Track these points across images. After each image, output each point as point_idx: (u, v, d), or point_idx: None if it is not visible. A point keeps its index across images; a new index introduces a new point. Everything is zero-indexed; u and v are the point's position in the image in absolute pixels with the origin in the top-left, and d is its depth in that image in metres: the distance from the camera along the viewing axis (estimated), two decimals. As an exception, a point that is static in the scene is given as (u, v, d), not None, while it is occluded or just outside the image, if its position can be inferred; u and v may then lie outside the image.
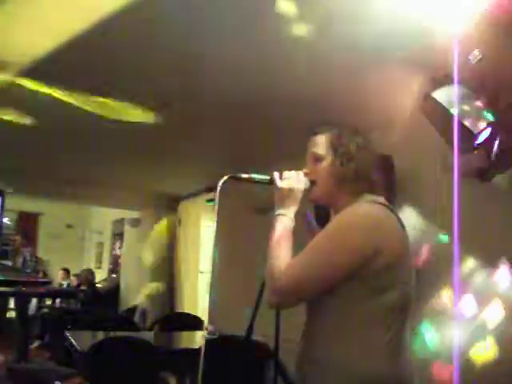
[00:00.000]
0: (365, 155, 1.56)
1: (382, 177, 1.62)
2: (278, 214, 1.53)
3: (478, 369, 2.68)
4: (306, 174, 1.59)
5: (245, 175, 1.61)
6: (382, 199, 1.52)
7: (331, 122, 1.64)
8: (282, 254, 1.45)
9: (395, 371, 1.39)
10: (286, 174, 1.58)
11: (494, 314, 2.69)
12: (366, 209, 1.47)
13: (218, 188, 1.58)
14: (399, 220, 1.50)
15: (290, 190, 1.55)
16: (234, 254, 4.98)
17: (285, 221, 1.52)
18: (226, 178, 1.58)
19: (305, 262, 1.41)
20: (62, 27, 2.46)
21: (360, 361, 1.36)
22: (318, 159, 1.58)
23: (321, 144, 1.59)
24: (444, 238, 3.04)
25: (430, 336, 3.01)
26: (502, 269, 2.69)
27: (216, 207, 1.63)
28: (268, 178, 1.61)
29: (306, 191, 1.58)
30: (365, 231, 1.40)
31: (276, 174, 1.59)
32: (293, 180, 1.56)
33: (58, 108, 3.59)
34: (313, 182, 1.58)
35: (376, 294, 1.38)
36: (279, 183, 1.57)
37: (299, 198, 1.56)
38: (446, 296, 2.93)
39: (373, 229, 1.41)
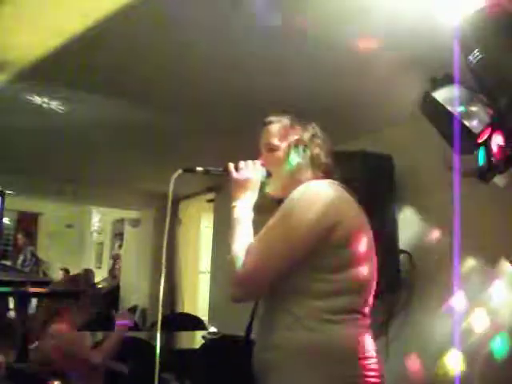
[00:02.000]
0: (318, 143, 1.54)
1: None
2: (234, 206, 1.49)
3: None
4: (262, 165, 1.57)
5: (199, 168, 1.60)
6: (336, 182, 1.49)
7: (285, 110, 1.62)
8: (240, 244, 1.39)
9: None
10: (241, 164, 1.56)
11: (493, 314, 2.69)
12: (318, 184, 1.44)
13: (171, 183, 1.58)
14: (355, 199, 1.47)
15: (246, 181, 1.52)
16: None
17: (241, 211, 1.48)
18: (179, 171, 1.57)
19: (263, 245, 1.36)
20: (61, 27, 2.46)
21: (318, 342, 1.31)
22: (271, 149, 1.57)
23: (274, 134, 1.57)
24: (444, 237, 3.04)
25: (430, 335, 3.01)
26: (502, 269, 2.69)
27: (169, 203, 1.61)
28: (222, 169, 1.59)
29: (263, 183, 1.56)
30: (320, 203, 1.36)
31: (231, 165, 1.57)
32: (249, 170, 1.54)
33: (58, 107, 3.60)
34: (269, 173, 1.56)
35: (333, 273, 1.34)
36: (234, 174, 1.54)
37: (256, 188, 1.54)
38: (445, 295, 2.93)
39: (328, 200, 1.38)
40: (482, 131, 2.09)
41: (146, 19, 2.35)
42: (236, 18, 2.28)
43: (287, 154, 1.53)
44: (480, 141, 2.12)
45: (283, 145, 1.55)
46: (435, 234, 3.12)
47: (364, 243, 1.40)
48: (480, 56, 1.79)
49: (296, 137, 1.54)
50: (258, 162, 1.57)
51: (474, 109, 2.11)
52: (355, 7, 2.15)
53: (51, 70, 2.92)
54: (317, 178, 1.49)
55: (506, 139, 2.09)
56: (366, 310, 1.41)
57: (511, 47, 1.78)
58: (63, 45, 2.56)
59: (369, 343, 1.37)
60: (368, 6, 2.13)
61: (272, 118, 1.61)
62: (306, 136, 1.54)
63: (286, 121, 1.59)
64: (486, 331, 2.68)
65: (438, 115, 2.22)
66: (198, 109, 3.53)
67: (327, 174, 1.51)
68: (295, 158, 1.51)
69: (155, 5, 2.23)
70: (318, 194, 1.40)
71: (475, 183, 2.30)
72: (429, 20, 2.17)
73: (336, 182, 1.48)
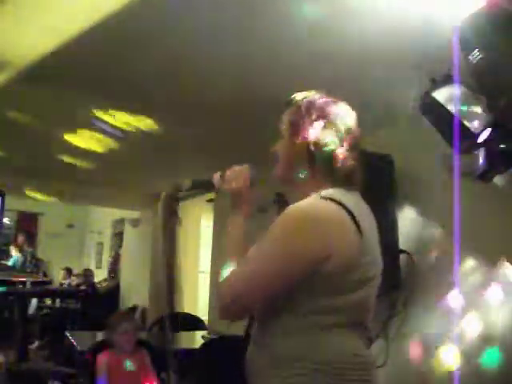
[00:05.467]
0: (328, 134, 1.36)
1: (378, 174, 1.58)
2: (228, 219, 1.43)
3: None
4: (251, 166, 1.48)
5: (183, 189, 1.52)
6: (339, 195, 1.32)
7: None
8: (227, 261, 1.33)
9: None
10: (228, 172, 1.48)
11: (492, 314, 2.69)
12: (314, 208, 1.29)
13: (160, 205, 1.57)
14: (355, 221, 1.29)
15: (234, 190, 1.44)
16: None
17: (232, 226, 1.41)
18: (163, 193, 1.57)
19: (248, 271, 1.28)
20: (62, 27, 2.46)
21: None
22: (281, 135, 1.45)
23: (284, 118, 1.45)
24: (444, 237, 3.04)
25: (430, 335, 3.01)
26: (502, 268, 2.69)
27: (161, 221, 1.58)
28: (206, 181, 1.51)
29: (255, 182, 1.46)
30: (313, 235, 1.25)
31: (216, 176, 1.49)
32: (235, 178, 1.45)
33: (58, 107, 3.60)
34: (277, 159, 1.44)
35: (323, 297, 1.26)
36: (223, 185, 1.47)
37: (246, 195, 1.44)
38: (445, 295, 2.93)
39: (322, 232, 1.25)
40: (482, 131, 2.09)
41: (147, 19, 2.35)
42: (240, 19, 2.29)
43: (288, 143, 1.41)
44: (480, 141, 2.13)
45: (287, 131, 1.42)
46: (435, 234, 3.13)
47: (361, 268, 1.29)
48: (480, 56, 1.79)
49: (298, 124, 1.39)
50: (245, 166, 1.47)
51: (473, 109, 2.11)
52: (355, 7, 2.15)
53: (52, 70, 2.92)
54: (320, 179, 1.36)
55: (506, 139, 2.09)
56: (359, 323, 1.34)
57: (511, 47, 1.78)
58: (64, 45, 2.56)
59: (357, 351, 1.32)
60: (368, 6, 2.14)
61: (289, 99, 1.47)
62: (311, 123, 1.37)
63: (296, 105, 1.43)
64: (484, 331, 2.69)
65: (438, 115, 2.22)
66: (198, 108, 3.52)
67: (337, 176, 1.35)
68: (293, 149, 1.39)
69: (156, 5, 2.23)
70: (312, 223, 1.27)
71: (475, 183, 2.30)
72: (429, 20, 2.17)
73: (339, 201, 1.31)
